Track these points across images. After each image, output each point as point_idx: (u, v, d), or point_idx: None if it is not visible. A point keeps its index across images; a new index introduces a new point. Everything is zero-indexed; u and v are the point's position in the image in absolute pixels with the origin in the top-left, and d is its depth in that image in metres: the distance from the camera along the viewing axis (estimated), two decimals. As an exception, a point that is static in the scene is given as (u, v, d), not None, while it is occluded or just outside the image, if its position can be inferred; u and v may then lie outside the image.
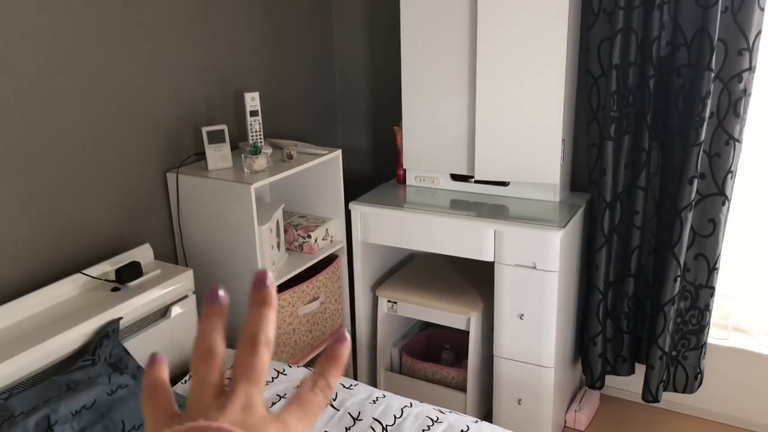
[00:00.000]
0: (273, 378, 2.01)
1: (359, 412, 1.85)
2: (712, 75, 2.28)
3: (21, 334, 1.82)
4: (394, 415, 1.83)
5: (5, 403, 1.61)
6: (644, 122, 2.47)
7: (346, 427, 1.80)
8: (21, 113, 1.93)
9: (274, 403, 1.88)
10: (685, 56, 2.38)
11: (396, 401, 1.90)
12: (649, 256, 2.64)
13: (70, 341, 1.85)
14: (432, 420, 1.82)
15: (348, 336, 0.51)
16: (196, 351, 0.49)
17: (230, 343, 0.51)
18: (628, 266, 2.63)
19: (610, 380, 2.90)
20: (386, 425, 1.79)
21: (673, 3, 2.33)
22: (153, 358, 0.51)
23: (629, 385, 2.89)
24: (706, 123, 2.33)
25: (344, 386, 1.97)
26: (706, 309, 2.56)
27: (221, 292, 0.50)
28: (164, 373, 0.51)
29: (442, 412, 1.87)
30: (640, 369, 2.76)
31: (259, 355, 0.48)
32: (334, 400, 1.90)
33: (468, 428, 1.79)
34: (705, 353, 2.64)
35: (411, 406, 1.89)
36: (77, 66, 2.06)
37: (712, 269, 2.51)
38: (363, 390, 1.96)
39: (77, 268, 2.11)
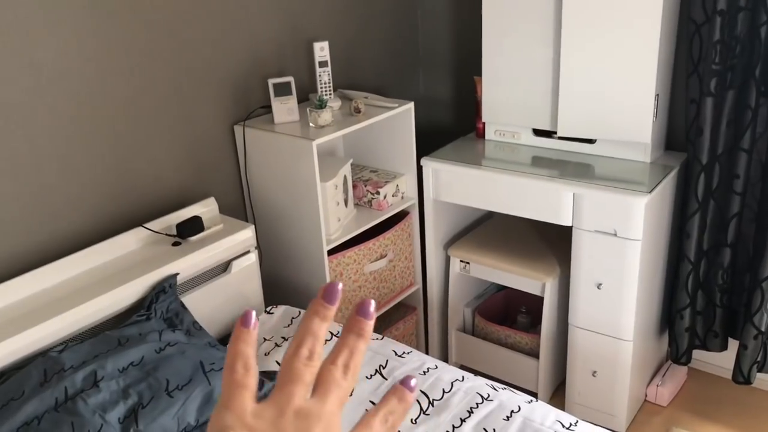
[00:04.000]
0: (326, 340, 1.96)
1: (407, 383, 1.78)
2: (836, 23, 1.97)
3: (80, 286, 1.86)
4: (443, 389, 1.76)
5: (58, 356, 1.65)
6: (752, 76, 2.19)
7: (392, 398, 1.74)
8: (86, 67, 1.93)
9: (323, 368, 1.85)
10: (805, 0, 2.07)
11: (447, 373, 1.82)
12: (750, 225, 2.38)
13: (128, 295, 1.88)
14: (482, 397, 1.73)
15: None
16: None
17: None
18: (724, 235, 2.39)
19: (702, 354, 2.69)
20: (433, 399, 1.72)
21: (793, -62, 2.02)
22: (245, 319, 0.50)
23: (722, 360, 2.67)
24: (824, 78, 2.03)
25: (396, 353, 1.91)
26: (814, 286, 2.30)
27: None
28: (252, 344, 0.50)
29: (494, 389, 1.78)
30: (735, 345, 2.53)
31: (342, 375, 0.48)
32: (383, 368, 1.84)
33: (519, 409, 1.69)
34: (810, 334, 2.38)
35: (462, 380, 1.80)
36: (141, 17, 2.04)
37: (823, 243, 2.24)
38: (415, 359, 1.89)
39: (143, 221, 2.13)
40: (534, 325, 2.77)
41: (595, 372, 2.42)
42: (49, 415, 1.51)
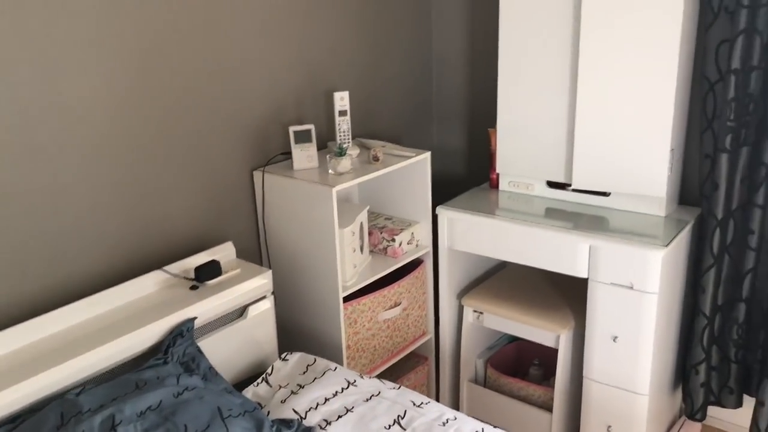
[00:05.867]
0: (343, 388, 1.95)
1: (426, 434, 1.76)
2: None
3: (98, 328, 1.85)
4: (463, 441, 1.74)
5: (76, 399, 1.63)
6: (765, 133, 2.22)
7: (411, 449, 1.72)
8: (108, 110, 1.96)
9: (340, 416, 1.83)
10: (818, 60, 2.12)
11: (467, 425, 1.80)
12: (765, 280, 2.38)
13: (145, 338, 1.87)
14: (503, 449, 1.71)
15: None
16: None
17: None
18: (739, 290, 2.39)
19: (718, 411, 2.66)
20: (453, 451, 1.70)
21: (806, 1, 2.08)
22: None
23: (738, 418, 2.65)
24: (839, 137, 2.06)
25: (414, 404, 1.89)
26: (830, 344, 2.29)
27: None
28: None
29: (515, 440, 1.76)
30: (750, 402, 2.51)
31: None
32: (402, 418, 1.82)
33: (541, 462, 1.66)
34: (826, 392, 2.37)
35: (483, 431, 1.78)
36: (166, 62, 2.08)
37: (839, 300, 2.24)
38: (434, 409, 1.87)
39: (161, 263, 2.14)
40: (547, 377, 2.74)
41: (609, 426, 2.40)
42: (67, 460, 1.49)
